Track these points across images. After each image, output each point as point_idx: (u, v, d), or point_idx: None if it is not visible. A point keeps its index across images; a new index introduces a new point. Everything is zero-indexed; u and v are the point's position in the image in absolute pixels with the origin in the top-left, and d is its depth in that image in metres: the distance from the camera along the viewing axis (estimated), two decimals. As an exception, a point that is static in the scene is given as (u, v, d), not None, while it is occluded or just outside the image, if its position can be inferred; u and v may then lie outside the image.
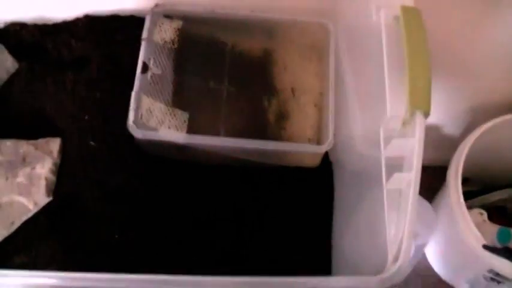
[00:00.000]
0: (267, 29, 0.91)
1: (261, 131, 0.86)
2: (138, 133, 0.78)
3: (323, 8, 0.89)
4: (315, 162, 0.88)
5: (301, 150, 0.85)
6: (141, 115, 0.79)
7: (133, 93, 0.80)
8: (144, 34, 0.84)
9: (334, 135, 0.81)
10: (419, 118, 0.58)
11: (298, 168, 0.88)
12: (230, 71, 0.88)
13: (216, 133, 0.84)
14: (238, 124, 0.85)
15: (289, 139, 0.85)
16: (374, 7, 0.67)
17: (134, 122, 0.78)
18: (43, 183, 0.80)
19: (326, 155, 0.88)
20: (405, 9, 0.63)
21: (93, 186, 0.80)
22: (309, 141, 0.85)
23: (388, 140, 0.62)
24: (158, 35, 0.85)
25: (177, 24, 0.87)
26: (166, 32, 0.86)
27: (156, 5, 0.88)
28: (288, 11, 0.89)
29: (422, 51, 0.60)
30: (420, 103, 0.58)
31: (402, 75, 0.60)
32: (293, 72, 0.89)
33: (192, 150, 0.81)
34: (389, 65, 0.62)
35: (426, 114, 0.58)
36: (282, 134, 0.86)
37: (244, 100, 0.87)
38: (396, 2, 0.64)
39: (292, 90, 0.88)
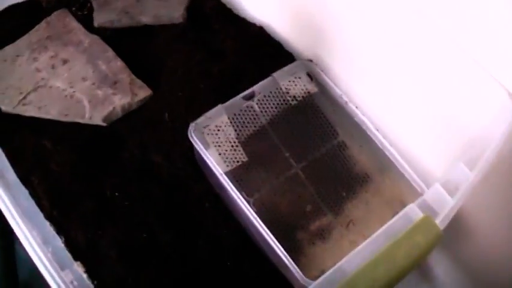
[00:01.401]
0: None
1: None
2: (191, 137, 0.77)
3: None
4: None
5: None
6: (208, 125, 0.79)
7: (220, 105, 0.80)
8: (277, 73, 0.83)
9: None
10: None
11: None
12: (312, 162, 0.83)
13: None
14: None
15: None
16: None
17: (197, 124, 0.78)
18: (108, 109, 0.84)
19: None
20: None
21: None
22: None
23: None
24: (286, 82, 0.84)
25: (312, 88, 0.85)
26: (296, 86, 0.84)
27: (310, 60, 0.87)
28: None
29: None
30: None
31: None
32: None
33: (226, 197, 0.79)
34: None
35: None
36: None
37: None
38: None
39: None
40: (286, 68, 0.85)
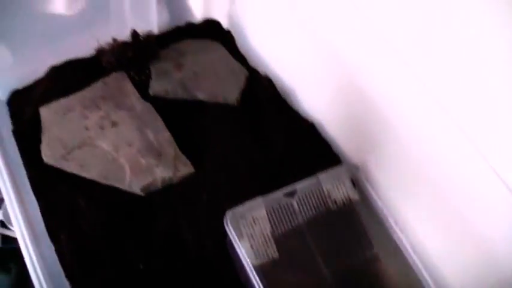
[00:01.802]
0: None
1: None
2: (227, 224, 0.76)
3: None
4: None
5: None
6: (245, 215, 0.78)
7: (260, 198, 0.79)
8: (322, 175, 0.82)
9: None
10: None
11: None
12: (343, 270, 0.81)
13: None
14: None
15: None
16: None
17: (234, 213, 0.77)
18: (148, 180, 0.84)
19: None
20: None
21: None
22: None
23: None
24: (329, 186, 0.82)
25: (354, 196, 0.83)
26: (338, 191, 0.83)
27: (357, 167, 0.88)
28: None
29: None
30: None
31: None
32: None
33: None
34: None
35: None
36: None
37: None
38: None
39: None
40: (331, 171, 0.85)
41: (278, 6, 0.97)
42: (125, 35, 1.02)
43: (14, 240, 1.02)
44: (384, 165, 0.86)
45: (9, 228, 1.34)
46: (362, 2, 0.76)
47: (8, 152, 0.88)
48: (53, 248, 0.79)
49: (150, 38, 1.01)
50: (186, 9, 1.16)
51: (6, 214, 1.33)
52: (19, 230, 0.79)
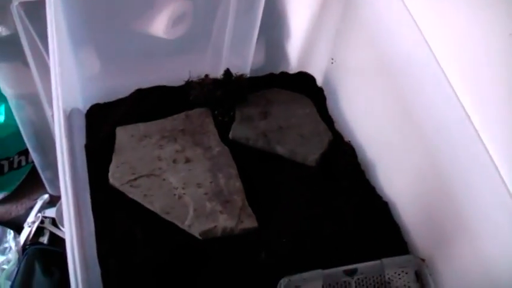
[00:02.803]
0: None
1: None
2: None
3: None
4: None
5: None
6: (300, 286, 0.75)
7: (320, 271, 0.76)
8: (387, 260, 0.79)
9: None
10: None
11: None
12: None
13: None
14: None
15: None
16: None
17: (290, 281, 0.74)
18: (209, 225, 0.81)
19: None
20: None
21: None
22: None
23: None
24: (392, 273, 0.78)
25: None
26: (400, 280, 0.78)
27: (423, 260, 0.82)
28: None
29: None
30: None
31: None
32: None
33: None
34: None
35: None
36: None
37: None
38: None
39: None
40: (397, 259, 0.81)
41: (373, 76, 0.95)
42: (217, 69, 1.02)
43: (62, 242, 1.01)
44: (452, 263, 0.80)
45: (59, 229, 1.35)
46: (460, 90, 0.74)
47: (76, 165, 0.87)
48: (98, 270, 0.77)
49: (242, 80, 1.00)
50: (282, 57, 1.16)
51: (59, 214, 1.35)
52: (69, 235, 0.76)
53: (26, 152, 1.41)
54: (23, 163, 1.46)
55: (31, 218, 1.39)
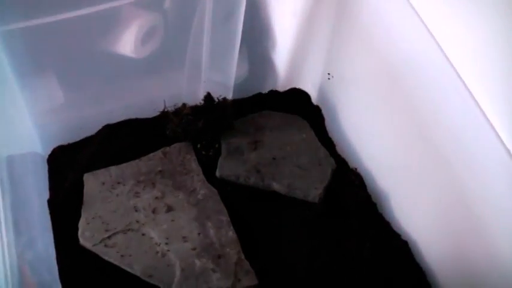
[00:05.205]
0: None
1: None
2: None
3: None
4: None
5: None
6: None
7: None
8: None
9: None
10: None
11: None
12: None
13: None
14: None
15: None
16: None
17: None
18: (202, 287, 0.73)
19: None
20: None
21: None
22: None
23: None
24: None
25: None
26: None
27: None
28: None
29: None
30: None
31: None
32: None
33: None
34: None
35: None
36: None
37: None
38: None
39: None
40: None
41: (379, 88, 0.83)
42: (196, 88, 0.93)
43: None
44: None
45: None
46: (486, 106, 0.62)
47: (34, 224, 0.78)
48: None
49: (226, 104, 0.89)
50: (269, 71, 1.04)
51: None
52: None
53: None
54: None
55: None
